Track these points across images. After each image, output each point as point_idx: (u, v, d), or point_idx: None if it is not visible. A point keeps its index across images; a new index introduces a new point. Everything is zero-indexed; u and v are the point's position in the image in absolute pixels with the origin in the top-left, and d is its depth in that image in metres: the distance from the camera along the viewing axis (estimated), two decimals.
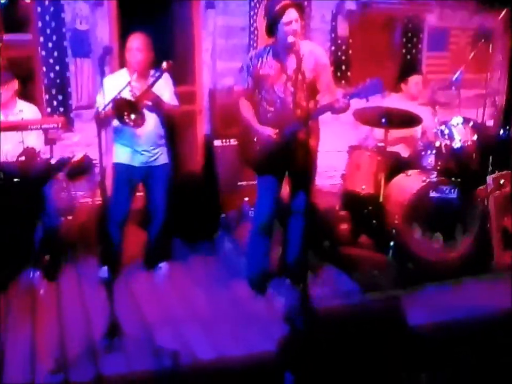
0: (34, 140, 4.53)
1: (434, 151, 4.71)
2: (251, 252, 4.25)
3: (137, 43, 4.07)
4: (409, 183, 4.66)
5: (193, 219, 5.11)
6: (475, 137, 4.71)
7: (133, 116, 3.84)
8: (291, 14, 3.71)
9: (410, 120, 4.75)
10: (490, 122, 5.83)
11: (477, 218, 4.57)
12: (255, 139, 4.00)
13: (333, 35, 6.25)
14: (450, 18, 6.57)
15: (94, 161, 4.91)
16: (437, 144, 4.68)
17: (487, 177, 4.71)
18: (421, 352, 3.10)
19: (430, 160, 4.77)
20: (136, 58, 4.05)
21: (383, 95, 4.83)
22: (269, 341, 3.37)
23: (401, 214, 4.51)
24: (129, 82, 3.89)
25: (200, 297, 4.14)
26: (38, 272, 4.21)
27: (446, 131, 4.69)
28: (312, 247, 4.47)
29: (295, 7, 3.76)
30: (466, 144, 4.66)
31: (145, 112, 4.04)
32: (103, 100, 3.58)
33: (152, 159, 4.28)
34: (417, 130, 5.15)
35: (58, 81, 5.41)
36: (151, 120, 4.15)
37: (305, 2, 5.92)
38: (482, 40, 5.26)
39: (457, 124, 4.70)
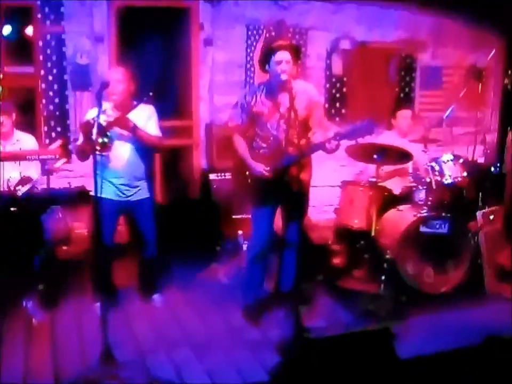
0: (32, 170, 4.61)
1: (425, 187, 4.81)
2: (246, 281, 4.31)
3: (116, 75, 4.13)
4: (400, 218, 4.74)
5: (189, 249, 5.17)
6: (465, 173, 4.81)
7: (100, 140, 3.78)
8: (283, 54, 3.85)
9: (402, 156, 4.84)
10: (481, 159, 5.93)
11: (468, 252, 4.62)
12: (247, 173, 4.08)
13: (327, 73, 6.40)
14: (443, 57, 6.72)
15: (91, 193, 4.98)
16: (428, 180, 4.77)
17: (477, 212, 4.78)
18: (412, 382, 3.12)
19: (421, 195, 4.86)
20: (115, 89, 4.05)
21: (375, 133, 4.92)
22: (262, 370, 3.42)
23: (393, 248, 4.58)
24: (104, 111, 3.84)
25: (195, 324, 4.18)
26: (33, 301, 4.23)
27: (437, 167, 4.80)
28: (307, 280, 4.53)
29: (289, 48, 3.90)
30: (456, 180, 4.76)
31: (121, 143, 4.08)
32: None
33: (131, 193, 4.24)
34: (408, 166, 5.24)
35: (57, 113, 5.53)
36: (129, 152, 4.16)
37: (301, 42, 6.10)
38: (474, 79, 5.37)
39: (448, 161, 4.82)
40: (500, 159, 6.22)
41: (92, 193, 3.96)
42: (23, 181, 4.51)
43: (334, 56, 6.34)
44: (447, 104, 6.34)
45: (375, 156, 4.74)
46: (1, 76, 5.44)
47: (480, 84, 5.95)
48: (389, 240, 4.66)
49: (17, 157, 4.46)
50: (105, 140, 3.85)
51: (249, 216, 4.39)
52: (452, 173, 4.77)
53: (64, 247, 5.22)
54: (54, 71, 5.45)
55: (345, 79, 6.42)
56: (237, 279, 4.80)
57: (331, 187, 5.93)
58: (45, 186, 4.66)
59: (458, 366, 3.48)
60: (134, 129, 4.04)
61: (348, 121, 6.26)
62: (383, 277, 4.58)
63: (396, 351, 3.02)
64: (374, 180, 4.85)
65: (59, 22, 5.39)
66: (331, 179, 5.87)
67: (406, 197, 5.01)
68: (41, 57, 5.42)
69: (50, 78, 5.46)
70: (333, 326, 4.19)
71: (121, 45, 5.61)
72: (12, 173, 4.48)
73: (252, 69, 6.02)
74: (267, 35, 5.99)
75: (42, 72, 5.44)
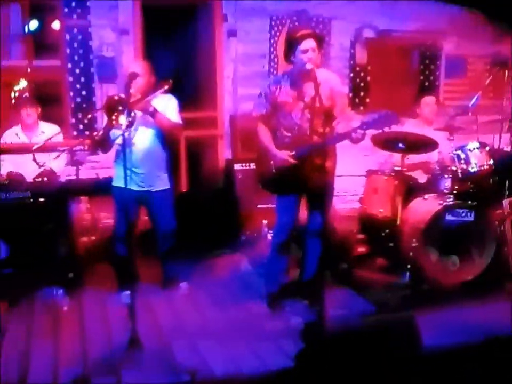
0: (56, 161, 4.70)
1: (450, 175, 4.78)
2: (269, 270, 4.35)
3: (137, 69, 4.15)
4: (426, 207, 4.71)
5: (213, 238, 5.22)
6: (491, 161, 4.77)
7: (121, 118, 3.75)
8: (309, 43, 3.85)
9: (426, 144, 4.81)
10: (507, 148, 5.87)
11: (493, 241, 4.60)
12: (271, 162, 4.10)
13: (351, 62, 6.39)
14: (467, 46, 6.67)
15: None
16: (453, 168, 4.75)
17: (503, 201, 4.75)
18: (434, 372, 3.13)
19: (446, 184, 4.82)
20: (135, 84, 4.07)
21: (400, 122, 4.92)
22: (285, 358, 3.43)
23: (418, 237, 4.56)
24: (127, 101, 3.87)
25: (218, 313, 4.21)
26: (61, 290, 4.32)
27: (463, 155, 4.76)
28: (330, 269, 4.55)
29: (313, 36, 3.91)
30: (482, 168, 4.72)
31: (142, 130, 4.13)
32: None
33: (150, 183, 4.27)
34: (433, 156, 5.22)
35: (84, 105, 5.62)
36: (150, 141, 4.20)
37: (325, 31, 6.10)
38: (498, 67, 5.31)
39: (474, 149, 4.77)
40: None
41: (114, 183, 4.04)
42: (45, 173, 4.60)
43: (358, 45, 6.34)
44: (471, 92, 6.30)
45: (400, 145, 4.73)
46: (29, 69, 5.56)
47: (506, 72, 5.88)
48: (414, 229, 4.64)
49: (46, 149, 4.54)
50: (129, 118, 3.79)
51: (273, 206, 4.42)
52: (477, 161, 4.72)
53: (92, 237, 5.35)
54: (81, 64, 5.55)
55: (369, 68, 6.41)
56: (261, 268, 4.82)
57: (355, 177, 5.94)
58: (73, 177, 4.75)
59: (481, 359, 3.50)
60: (154, 113, 4.07)
61: (372, 110, 6.27)
62: (407, 267, 4.58)
63: (418, 338, 3.05)
64: (399, 168, 4.84)
65: (85, 15, 5.47)
66: (355, 169, 5.86)
67: (431, 186, 4.99)
68: (68, 51, 5.52)
69: (77, 71, 5.56)
70: (354, 315, 4.21)
71: (146, 37, 5.67)
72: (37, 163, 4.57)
73: (275, 59, 6.05)
74: (290, 25, 6.00)
75: (69, 65, 5.53)
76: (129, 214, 4.20)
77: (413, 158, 5.11)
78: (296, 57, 3.91)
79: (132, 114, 3.84)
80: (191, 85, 5.90)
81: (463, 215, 4.55)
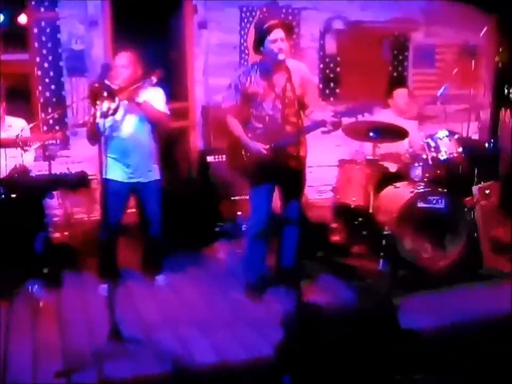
0: (27, 156, 4.63)
1: (421, 163, 4.86)
2: (248, 260, 4.38)
3: (123, 60, 4.16)
4: (398, 195, 4.80)
5: (190, 230, 5.27)
6: (460, 149, 4.86)
7: (106, 104, 3.72)
8: (278, 33, 3.88)
9: (397, 133, 4.88)
10: (475, 136, 6.00)
11: (465, 227, 4.70)
12: (243, 152, 4.12)
13: (321, 53, 6.43)
14: (435, 36, 6.77)
15: (90, 177, 5.02)
16: (424, 156, 4.83)
17: (473, 187, 4.85)
18: (415, 354, 3.20)
19: (417, 172, 4.90)
20: (122, 75, 4.10)
21: (372, 112, 4.97)
22: (267, 344, 3.47)
23: (391, 224, 4.64)
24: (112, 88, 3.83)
25: (199, 302, 4.26)
26: (38, 284, 4.28)
27: (432, 144, 4.84)
28: (307, 257, 4.61)
29: (282, 26, 3.94)
30: (452, 156, 4.82)
31: (131, 120, 4.14)
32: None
33: (141, 174, 4.31)
34: (403, 146, 5.29)
35: (54, 99, 5.54)
36: (139, 130, 4.22)
37: (294, 22, 6.12)
38: (468, 56, 5.41)
39: (443, 137, 4.85)
40: (494, 135, 6.31)
41: (101, 176, 3.99)
42: (18, 168, 4.53)
43: (328, 36, 6.38)
44: (440, 82, 6.38)
45: (371, 134, 4.79)
46: None
47: (473, 61, 5.99)
48: (387, 216, 4.72)
49: (17, 143, 4.46)
50: (113, 105, 3.77)
51: (247, 197, 4.45)
52: (447, 149, 4.81)
53: (65, 232, 5.31)
54: (50, 57, 5.46)
55: (338, 59, 6.46)
56: (238, 258, 4.88)
57: (327, 167, 5.99)
58: (45, 172, 4.68)
59: (456, 342, 3.59)
60: (141, 102, 4.08)
61: (342, 100, 6.33)
62: (381, 253, 4.65)
63: (398, 320, 3.12)
64: (371, 157, 4.90)
65: (53, 8, 5.38)
66: (327, 159, 5.92)
67: (402, 174, 5.07)
68: (36, 44, 5.43)
69: (45, 64, 5.47)
70: (333, 301, 4.27)
71: (115, 29, 5.61)
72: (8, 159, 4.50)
73: (246, 51, 6.05)
74: (260, 16, 6.01)
75: (37, 59, 5.45)
76: (119, 206, 4.27)
77: (384, 148, 5.19)
78: (266, 47, 3.93)
79: (116, 101, 3.79)
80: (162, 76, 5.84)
81: (434, 202, 4.64)
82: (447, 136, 4.86)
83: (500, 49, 6.61)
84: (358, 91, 6.21)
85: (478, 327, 3.79)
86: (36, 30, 5.40)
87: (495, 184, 5.07)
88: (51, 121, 5.54)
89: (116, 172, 4.24)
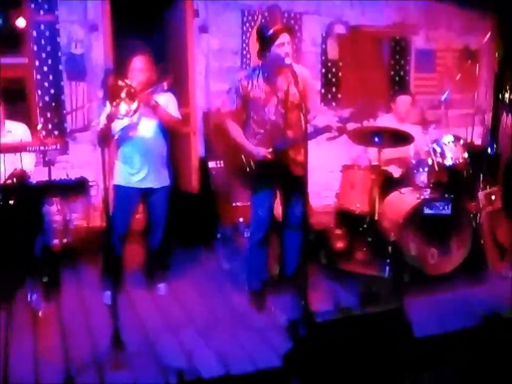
0: (27, 161, 4.55)
1: (426, 169, 4.82)
2: (250, 267, 4.31)
3: (139, 64, 4.10)
4: (403, 201, 4.74)
5: (190, 237, 5.23)
6: (466, 155, 4.82)
7: (124, 105, 3.73)
8: (284, 37, 3.83)
9: (402, 138, 4.84)
10: (477, 141, 5.96)
11: (470, 233, 4.65)
12: (245, 158, 4.05)
13: (323, 58, 6.38)
14: (436, 40, 6.74)
15: (90, 183, 4.94)
16: (430, 162, 4.79)
17: (479, 193, 4.81)
18: (422, 355, 3.16)
19: (422, 178, 4.86)
20: (137, 78, 4.05)
21: (377, 116, 4.93)
22: (271, 351, 3.47)
23: (396, 230, 4.58)
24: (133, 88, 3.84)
25: (201, 310, 4.20)
26: (36, 294, 4.18)
27: (438, 149, 4.81)
28: (310, 263, 4.53)
29: (288, 31, 3.91)
30: (458, 161, 4.77)
31: (145, 125, 4.08)
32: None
33: (153, 180, 4.24)
34: (408, 151, 5.25)
35: (53, 104, 5.46)
36: (153, 135, 4.16)
37: (296, 26, 6.08)
38: (469, 60, 5.37)
39: (449, 142, 4.82)
40: (495, 139, 6.27)
41: (104, 181, 3.92)
42: (15, 174, 4.44)
43: (329, 40, 6.33)
44: (441, 86, 6.38)
45: (376, 139, 4.74)
46: None
47: (474, 65, 5.95)
48: (392, 223, 4.67)
49: (17, 149, 4.38)
50: (133, 105, 3.76)
51: (249, 203, 4.38)
52: (453, 154, 4.77)
53: (64, 240, 5.21)
54: (49, 61, 5.38)
55: (340, 63, 6.41)
56: (239, 265, 4.81)
57: (329, 172, 5.95)
58: (44, 178, 4.60)
59: (460, 345, 3.55)
60: (156, 106, 4.04)
61: (344, 105, 6.29)
62: (387, 260, 4.59)
63: (405, 321, 3.08)
64: (376, 163, 4.85)
65: (52, 11, 5.31)
66: (328, 164, 5.88)
67: (406, 180, 5.02)
68: (35, 48, 5.35)
69: (45, 68, 5.39)
70: (337, 309, 4.20)
71: (115, 33, 5.54)
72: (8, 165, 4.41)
73: (248, 55, 6.00)
74: (262, 20, 5.96)
75: (36, 63, 5.37)
76: (129, 212, 4.22)
77: (388, 153, 5.14)
78: (272, 51, 3.87)
79: (136, 102, 3.78)
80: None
81: (441, 208, 4.59)
82: (452, 141, 4.83)
83: (500, 53, 6.60)
84: (359, 95, 6.17)
85: (480, 331, 3.74)
86: (35, 33, 5.32)
87: (499, 189, 5.03)
88: (50, 126, 5.45)
89: (126, 177, 4.20)
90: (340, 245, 5.13)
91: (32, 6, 5.27)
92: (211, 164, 5.71)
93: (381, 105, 5.57)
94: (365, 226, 4.95)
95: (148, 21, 5.62)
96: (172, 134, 4.34)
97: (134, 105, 3.80)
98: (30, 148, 4.39)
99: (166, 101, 4.19)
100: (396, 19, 6.52)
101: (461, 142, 4.87)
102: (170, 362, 3.36)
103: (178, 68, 5.91)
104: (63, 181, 4.97)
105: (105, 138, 3.94)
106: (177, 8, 5.81)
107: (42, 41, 5.34)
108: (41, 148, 4.41)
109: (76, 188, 4.99)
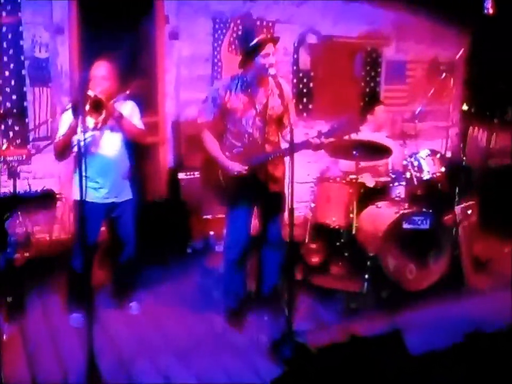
0: None
1: (403, 183, 4.78)
2: (227, 283, 4.14)
3: (102, 71, 3.86)
4: (381, 215, 4.68)
5: (158, 250, 5.04)
6: (443, 169, 4.80)
7: (91, 117, 3.56)
8: (269, 48, 3.72)
9: (381, 151, 4.78)
10: (448, 153, 5.96)
11: (448, 246, 4.62)
12: (221, 173, 3.90)
13: (295, 68, 6.29)
14: (406, 51, 6.76)
15: (57, 196, 4.70)
16: (408, 175, 4.75)
17: (455, 207, 4.78)
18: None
19: (398, 191, 4.83)
20: (100, 86, 3.79)
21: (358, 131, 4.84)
22: (250, 371, 3.37)
23: (375, 245, 4.50)
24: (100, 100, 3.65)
25: (176, 329, 4.02)
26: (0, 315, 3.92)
27: (415, 163, 4.79)
28: (286, 280, 4.41)
29: (273, 41, 3.80)
30: (435, 175, 4.75)
31: (107, 137, 3.87)
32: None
33: (116, 194, 4.01)
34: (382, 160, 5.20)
35: (15, 110, 5.17)
36: (115, 147, 3.94)
37: (268, 35, 5.94)
38: (444, 73, 5.37)
39: (426, 156, 4.80)
40: (463, 153, 6.29)
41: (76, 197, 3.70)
42: None
43: (301, 50, 6.25)
44: (411, 98, 6.37)
45: (354, 152, 4.66)
46: None
47: (445, 78, 5.97)
48: (371, 237, 4.60)
49: None
50: (100, 118, 3.58)
51: (220, 216, 4.23)
52: (430, 168, 4.77)
53: (25, 254, 4.94)
54: (11, 65, 5.08)
55: (312, 74, 6.34)
56: (212, 281, 4.65)
57: (297, 183, 5.83)
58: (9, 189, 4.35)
59: (443, 361, 3.48)
60: (120, 117, 3.80)
61: (315, 116, 6.21)
62: (365, 275, 4.50)
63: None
64: (354, 176, 4.76)
65: (15, 13, 5.02)
66: (297, 175, 5.75)
67: (381, 192, 4.97)
68: None
69: (6, 73, 5.09)
70: (317, 327, 4.09)
71: (82, 37, 5.30)
72: None
73: (219, 63, 5.85)
74: (234, 28, 5.83)
75: None
76: (94, 229, 3.92)
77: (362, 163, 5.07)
78: (256, 62, 3.74)
79: (103, 114, 3.59)
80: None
81: (419, 223, 4.54)
82: (429, 155, 4.82)
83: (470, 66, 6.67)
84: (331, 107, 6.11)
85: (461, 347, 3.69)
86: None
87: (475, 203, 5.03)
88: (11, 134, 5.15)
89: (89, 193, 3.89)
90: (315, 259, 5.03)
91: None
92: (180, 175, 5.53)
93: (353, 116, 5.49)
94: (342, 240, 4.86)
95: (117, 25, 5.37)
96: (136, 144, 4.11)
97: (101, 117, 3.61)
98: None
99: (130, 111, 3.97)
100: (367, 30, 6.48)
101: (438, 155, 4.86)
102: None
103: (147, 75, 5.70)
104: (29, 194, 4.75)
105: (64, 151, 3.74)
106: (148, 13, 5.60)
107: (4, 44, 5.04)
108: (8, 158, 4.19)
109: (42, 201, 4.77)
